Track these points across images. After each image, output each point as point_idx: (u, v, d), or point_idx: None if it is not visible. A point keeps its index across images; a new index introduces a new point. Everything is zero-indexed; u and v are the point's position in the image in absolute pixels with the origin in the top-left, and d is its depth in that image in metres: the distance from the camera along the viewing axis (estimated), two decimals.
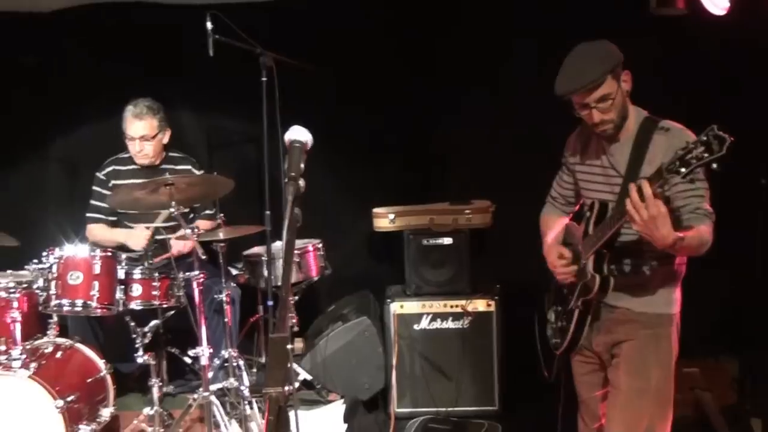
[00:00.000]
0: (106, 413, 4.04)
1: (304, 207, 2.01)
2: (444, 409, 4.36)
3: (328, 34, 5.04)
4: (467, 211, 4.60)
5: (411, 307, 4.41)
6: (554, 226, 3.20)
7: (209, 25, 4.13)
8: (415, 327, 4.39)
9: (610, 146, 2.88)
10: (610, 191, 2.87)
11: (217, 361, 4.42)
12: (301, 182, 1.98)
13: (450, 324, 4.39)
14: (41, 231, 4.90)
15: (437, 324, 4.39)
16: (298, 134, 2.11)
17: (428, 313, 4.40)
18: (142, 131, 4.54)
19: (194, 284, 3.92)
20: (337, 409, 4.36)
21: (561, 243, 3.09)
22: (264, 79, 4.32)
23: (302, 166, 2.02)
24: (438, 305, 4.39)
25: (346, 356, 4.60)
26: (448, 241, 4.48)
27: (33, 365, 3.70)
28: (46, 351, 3.96)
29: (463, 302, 4.37)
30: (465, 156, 5.12)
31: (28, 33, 5.08)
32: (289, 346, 1.55)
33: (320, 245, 4.71)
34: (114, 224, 4.72)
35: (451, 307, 4.39)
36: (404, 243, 4.52)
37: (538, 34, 4.75)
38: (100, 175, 4.70)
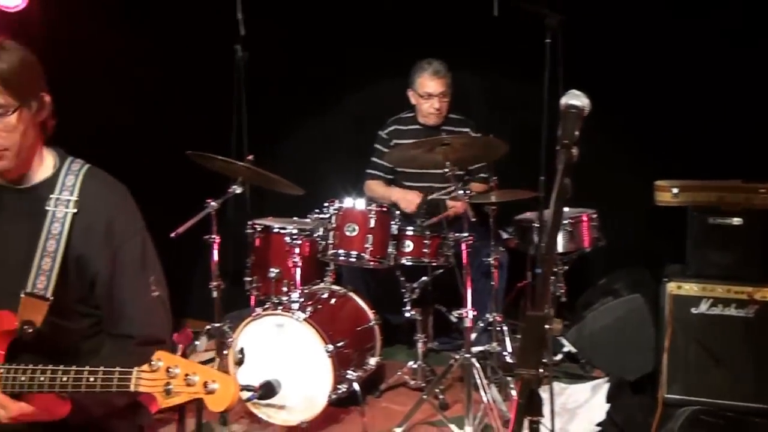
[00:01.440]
0: (372, 362, 4.21)
1: (581, 175, 1.89)
2: (718, 401, 4.03)
3: None
4: (763, 191, 4.16)
5: (690, 288, 4.09)
6: None
7: None
8: (693, 310, 4.07)
9: None
10: None
11: (480, 324, 4.43)
12: (575, 151, 1.84)
13: (733, 311, 4.02)
14: (326, 182, 5.17)
15: (718, 310, 4.04)
16: (575, 99, 1.97)
17: (709, 297, 4.06)
18: (442, 87, 4.65)
19: (463, 246, 3.92)
20: (600, 386, 4.20)
21: None
22: (548, 40, 4.18)
23: (577, 133, 1.89)
24: (721, 290, 4.03)
25: (615, 333, 4.41)
26: (737, 221, 4.08)
27: (309, 309, 3.91)
28: (322, 296, 4.18)
29: (750, 289, 3.98)
30: (763, 128, 4.63)
31: None
32: (546, 326, 1.46)
33: (595, 215, 4.53)
34: (391, 183, 4.87)
35: (736, 293, 4.01)
36: (687, 220, 4.19)
37: None
38: (383, 133, 4.86)
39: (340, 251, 4.13)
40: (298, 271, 4.13)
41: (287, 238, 4.25)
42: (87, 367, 1.92)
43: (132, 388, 1.86)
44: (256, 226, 4.51)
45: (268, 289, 4.39)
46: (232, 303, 4.71)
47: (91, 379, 1.90)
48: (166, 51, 5.13)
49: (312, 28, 5.42)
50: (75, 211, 2.10)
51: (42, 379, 1.94)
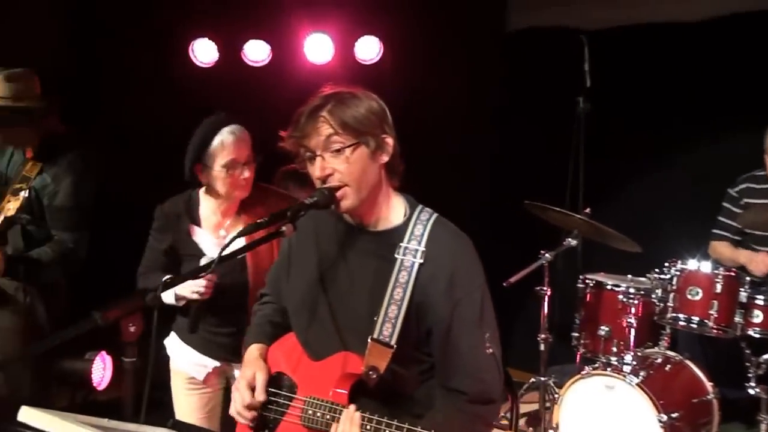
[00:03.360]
0: None
1: None
2: None
3: None
4: None
5: None
6: None
7: None
8: None
9: None
10: None
11: None
12: None
13: None
14: (663, 241, 4.92)
15: None
16: None
17: None
18: None
19: None
20: None
21: None
22: None
23: None
24: None
25: None
26: None
27: (642, 374, 3.71)
28: (655, 361, 3.95)
29: None
30: None
31: (670, 41, 5.16)
32: None
33: None
34: (738, 244, 4.51)
35: None
36: None
37: None
38: (733, 191, 4.54)
39: (680, 315, 3.91)
40: (632, 332, 3.97)
41: (621, 297, 4.11)
42: (419, 429, 1.97)
43: None
44: (588, 281, 4.39)
45: (596, 346, 4.26)
46: (557, 357, 4.62)
47: None
48: (512, 100, 5.24)
49: (655, 82, 5.23)
50: (422, 261, 2.15)
51: None
